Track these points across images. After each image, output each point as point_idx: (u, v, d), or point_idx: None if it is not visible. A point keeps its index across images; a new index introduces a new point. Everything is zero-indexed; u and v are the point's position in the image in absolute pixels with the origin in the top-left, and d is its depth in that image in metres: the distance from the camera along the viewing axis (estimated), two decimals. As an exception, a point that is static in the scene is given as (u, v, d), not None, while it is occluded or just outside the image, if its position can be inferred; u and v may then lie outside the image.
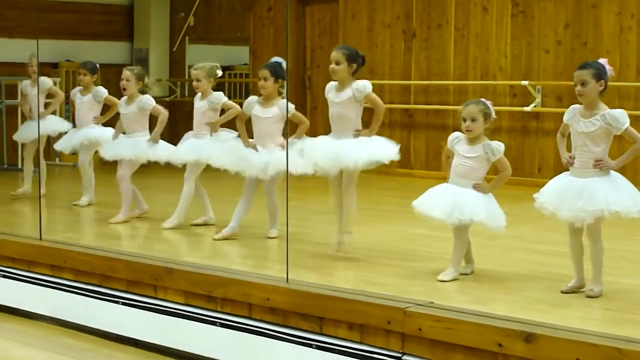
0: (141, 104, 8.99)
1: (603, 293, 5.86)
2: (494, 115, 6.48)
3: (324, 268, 6.84)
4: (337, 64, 7.10)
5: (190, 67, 8.93)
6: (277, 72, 7.85)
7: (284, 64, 7.89)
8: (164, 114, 8.97)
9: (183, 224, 8.58)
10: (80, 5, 15.68)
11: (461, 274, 6.44)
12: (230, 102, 8.62)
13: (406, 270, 6.71)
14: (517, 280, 6.42)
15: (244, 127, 8.07)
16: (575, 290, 5.94)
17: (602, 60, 5.93)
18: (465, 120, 6.41)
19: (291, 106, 7.65)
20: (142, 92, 9.25)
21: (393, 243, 7.85)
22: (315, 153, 7.17)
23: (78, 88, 10.22)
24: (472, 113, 6.40)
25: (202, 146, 8.44)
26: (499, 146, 6.39)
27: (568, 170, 5.99)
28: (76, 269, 7.36)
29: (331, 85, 7.26)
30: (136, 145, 8.92)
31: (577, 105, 5.96)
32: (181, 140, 8.72)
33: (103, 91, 9.99)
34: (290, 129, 7.63)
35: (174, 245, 8.09)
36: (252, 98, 7.98)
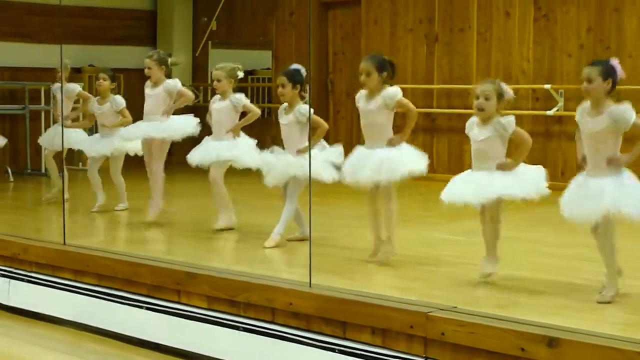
0: (168, 88, 9.03)
1: (631, 296, 5.82)
2: (509, 94, 6.39)
3: (346, 272, 6.85)
4: (368, 74, 7.06)
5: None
6: (294, 78, 7.84)
7: (303, 70, 7.90)
8: (189, 95, 9.05)
9: (196, 230, 8.59)
10: (103, 10, 15.75)
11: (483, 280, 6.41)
12: (251, 105, 8.64)
13: (429, 275, 6.71)
14: (539, 285, 6.40)
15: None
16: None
17: (614, 61, 5.89)
18: (478, 98, 6.33)
19: (305, 109, 7.68)
20: (168, 76, 9.28)
21: (416, 247, 7.84)
22: (352, 168, 7.17)
23: (96, 98, 10.20)
24: (487, 91, 6.32)
25: (225, 146, 8.48)
26: (509, 120, 6.30)
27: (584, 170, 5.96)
28: (99, 274, 7.39)
29: (361, 94, 7.23)
30: (159, 128, 9.02)
31: (586, 103, 5.93)
32: (199, 145, 8.73)
33: (121, 102, 9.99)
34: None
35: (197, 250, 8.10)
36: (283, 106, 8.00)
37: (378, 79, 7.06)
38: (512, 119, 6.33)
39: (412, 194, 10.38)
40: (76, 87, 10.73)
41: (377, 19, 13.93)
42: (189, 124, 9.02)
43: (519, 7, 12.50)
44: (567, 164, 11.97)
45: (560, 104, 11.91)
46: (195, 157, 8.58)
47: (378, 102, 7.07)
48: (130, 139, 9.32)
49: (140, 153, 9.51)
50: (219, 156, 8.47)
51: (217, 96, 8.71)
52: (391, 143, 7.06)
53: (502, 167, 6.26)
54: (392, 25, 13.78)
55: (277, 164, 7.85)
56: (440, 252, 7.62)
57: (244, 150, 8.51)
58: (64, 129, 9.28)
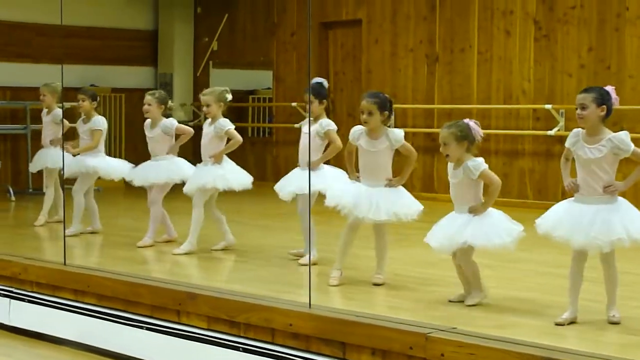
0: (165, 128, 9.05)
1: (632, 318, 5.83)
2: (476, 135, 6.38)
3: (346, 293, 6.85)
4: (370, 114, 7.04)
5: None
6: (319, 93, 7.89)
7: (325, 82, 7.94)
8: (189, 131, 9.06)
9: (196, 250, 8.57)
10: (104, 30, 15.79)
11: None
12: (234, 132, 8.59)
13: (429, 295, 6.71)
14: (539, 305, 6.40)
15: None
16: (572, 322, 5.84)
17: (609, 88, 5.88)
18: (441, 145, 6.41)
19: (329, 123, 7.72)
20: (167, 116, 9.30)
21: (416, 267, 7.85)
22: (348, 199, 7.11)
23: (82, 117, 10.17)
24: (444, 137, 6.36)
25: (207, 172, 8.50)
26: (475, 163, 6.30)
27: (572, 196, 5.95)
28: (100, 294, 7.39)
29: (359, 131, 7.15)
30: (163, 169, 8.98)
31: (579, 130, 5.91)
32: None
33: (102, 122, 9.97)
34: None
35: (197, 270, 8.10)
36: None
37: (380, 118, 7.06)
38: (479, 161, 6.33)
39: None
40: (59, 112, 10.67)
41: (378, 39, 13.96)
42: (187, 167, 9.03)
43: (520, 27, 12.53)
44: (567, 183, 11.95)
45: (561, 124, 11.92)
46: (188, 184, 8.68)
47: (384, 143, 7.06)
48: (137, 184, 9.24)
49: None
50: (205, 185, 8.49)
51: (208, 120, 8.74)
52: (390, 184, 7.07)
53: (472, 211, 6.30)
54: (392, 45, 13.81)
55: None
56: (441, 273, 7.59)
57: (220, 174, 8.52)
58: (46, 150, 9.37)
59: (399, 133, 7.10)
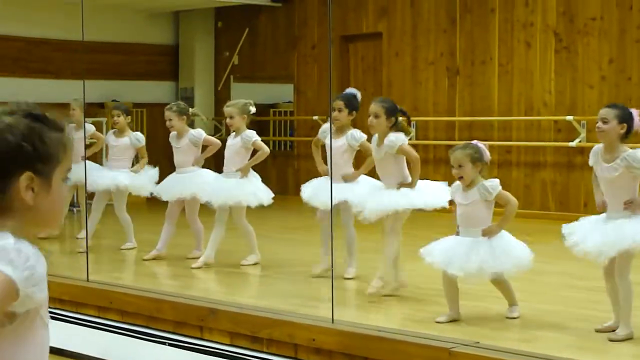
0: (193, 138, 9.06)
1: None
2: (486, 157, 6.34)
3: (369, 306, 6.84)
4: (376, 116, 7.08)
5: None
6: (351, 103, 7.84)
7: (359, 95, 7.92)
8: (216, 143, 9.07)
9: (217, 264, 8.58)
10: (126, 45, 15.86)
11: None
12: (261, 143, 8.62)
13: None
14: (562, 318, 6.38)
15: (319, 152, 8.06)
16: (612, 330, 5.84)
17: (634, 111, 5.84)
18: (453, 167, 6.33)
19: (362, 135, 7.70)
20: (192, 125, 9.32)
21: (438, 280, 7.80)
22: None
23: (112, 130, 10.24)
24: (459, 159, 6.28)
25: (233, 189, 8.50)
26: (492, 183, 6.26)
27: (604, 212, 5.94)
28: (123, 310, 7.41)
29: (374, 138, 7.28)
30: (190, 183, 8.99)
31: (598, 147, 5.89)
32: (214, 182, 8.80)
33: (142, 137, 10.00)
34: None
35: (219, 285, 8.11)
36: (326, 126, 7.96)
37: (386, 123, 7.07)
38: (496, 182, 6.29)
39: (435, 225, 10.29)
40: (91, 128, 10.72)
41: (399, 52, 13.96)
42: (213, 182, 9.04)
43: (540, 39, 12.51)
44: (589, 195, 11.81)
45: (583, 135, 11.88)
46: (205, 195, 8.66)
47: (384, 149, 7.09)
48: (167, 199, 9.25)
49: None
50: (227, 199, 8.49)
51: (232, 132, 8.75)
52: (404, 187, 7.08)
53: (486, 233, 6.22)
54: (413, 58, 13.81)
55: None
56: (462, 286, 7.57)
57: (251, 190, 8.52)
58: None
59: (395, 137, 7.06)
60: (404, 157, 7.13)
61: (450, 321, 6.27)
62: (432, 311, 6.64)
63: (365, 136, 7.77)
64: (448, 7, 13.40)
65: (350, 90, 8.06)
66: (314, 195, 7.93)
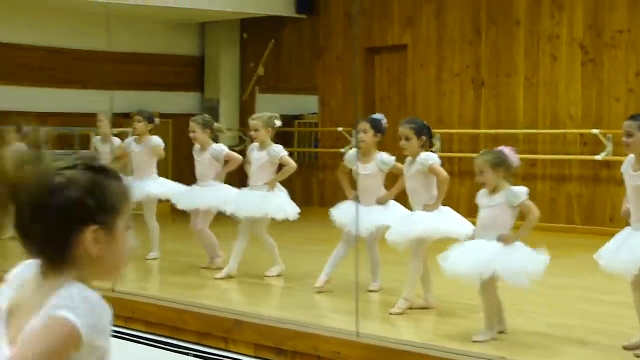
0: (215, 153, 9.08)
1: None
2: (512, 163, 6.30)
3: (394, 319, 6.82)
4: (407, 139, 7.13)
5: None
6: (377, 126, 7.84)
7: (385, 121, 7.91)
8: (238, 159, 9.08)
9: (241, 276, 8.59)
10: (151, 56, 15.92)
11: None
12: (289, 159, 8.63)
13: (476, 323, 6.64)
14: (587, 333, 6.34)
15: (346, 179, 8.02)
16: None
17: None
18: (477, 175, 6.36)
19: (391, 158, 7.72)
20: (215, 139, 9.34)
21: (462, 293, 7.77)
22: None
23: (132, 137, 10.25)
24: (479, 165, 6.32)
25: (260, 201, 8.51)
26: (520, 190, 6.23)
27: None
28: (147, 321, 7.42)
29: (407, 159, 7.32)
30: (208, 196, 9.00)
31: (632, 155, 5.88)
32: (238, 194, 8.82)
33: (161, 141, 10.05)
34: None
35: (244, 297, 8.11)
36: (352, 153, 7.96)
37: (418, 143, 7.10)
38: (523, 190, 6.25)
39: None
40: (116, 141, 10.76)
41: (424, 63, 13.95)
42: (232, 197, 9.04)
43: (566, 52, 12.47)
44: (615, 209, 11.83)
45: (609, 148, 11.82)
46: (231, 207, 8.65)
47: (415, 167, 7.12)
48: (183, 207, 9.28)
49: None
50: (255, 211, 8.51)
51: (256, 144, 8.74)
52: (426, 209, 7.07)
53: (502, 239, 6.16)
54: (438, 70, 13.80)
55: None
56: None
57: (278, 204, 8.54)
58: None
59: (425, 156, 7.11)
60: (433, 178, 7.14)
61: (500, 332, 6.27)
62: (458, 325, 6.62)
63: (394, 158, 7.79)
64: (473, 18, 13.38)
65: (376, 115, 8.09)
66: (346, 218, 7.91)
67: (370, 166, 7.78)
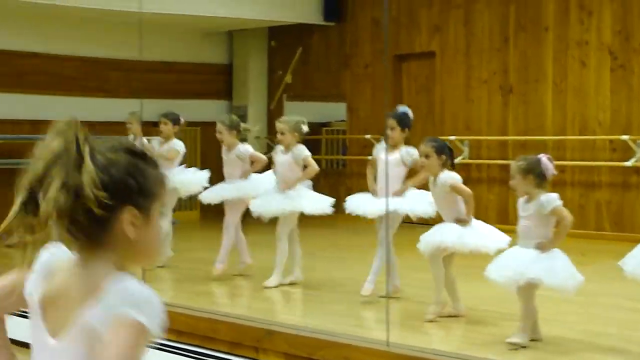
0: (239, 153, 9.14)
1: None
2: (546, 171, 6.30)
3: (422, 328, 6.83)
4: (427, 157, 7.20)
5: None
6: (403, 121, 7.93)
7: (410, 113, 7.97)
8: (262, 159, 9.12)
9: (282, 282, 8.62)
10: (180, 64, 15.98)
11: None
12: (312, 160, 8.67)
13: (509, 331, 6.63)
14: (619, 341, 6.33)
15: (372, 173, 8.09)
16: None
17: None
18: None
19: (416, 152, 7.73)
20: (242, 140, 9.39)
21: (494, 301, 7.77)
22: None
23: (158, 139, 10.32)
24: (512, 170, 6.39)
25: (289, 198, 8.54)
26: (548, 198, 6.23)
27: None
28: (178, 330, 7.45)
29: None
30: (237, 187, 9.08)
31: None
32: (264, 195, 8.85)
33: (180, 144, 10.12)
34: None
35: (273, 305, 8.13)
36: (382, 144, 8.07)
37: (437, 161, 7.14)
38: (553, 197, 6.25)
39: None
40: (144, 141, 10.81)
41: (451, 70, 13.95)
42: (262, 183, 9.07)
43: (595, 57, 12.43)
44: (646, 216, 11.82)
45: (639, 154, 11.77)
46: (258, 208, 8.67)
47: (438, 187, 7.19)
48: (209, 201, 9.33)
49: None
50: (283, 210, 8.53)
51: (280, 147, 8.78)
52: (459, 222, 7.08)
53: (538, 247, 6.18)
54: (466, 77, 13.79)
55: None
56: (517, 307, 7.52)
57: (308, 199, 8.56)
58: None
59: (445, 176, 7.15)
60: (455, 197, 7.18)
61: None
62: (489, 333, 6.62)
63: (417, 152, 7.81)
64: (501, 25, 13.37)
65: (402, 108, 8.12)
66: (357, 206, 8.05)
67: (394, 155, 7.83)
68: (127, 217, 2.19)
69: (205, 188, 9.61)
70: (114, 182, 2.18)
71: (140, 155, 2.27)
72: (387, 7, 12.68)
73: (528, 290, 6.23)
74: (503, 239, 6.90)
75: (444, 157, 7.16)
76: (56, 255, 2.26)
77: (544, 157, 6.36)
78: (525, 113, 13.13)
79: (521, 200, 6.40)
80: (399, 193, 7.79)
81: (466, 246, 6.97)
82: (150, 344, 2.11)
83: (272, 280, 8.59)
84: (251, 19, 14.98)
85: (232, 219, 9.19)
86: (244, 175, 9.16)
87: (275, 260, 8.63)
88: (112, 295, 2.11)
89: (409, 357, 5.85)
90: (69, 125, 2.28)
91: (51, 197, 2.14)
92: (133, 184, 2.20)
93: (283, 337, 6.61)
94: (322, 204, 8.67)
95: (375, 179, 8.03)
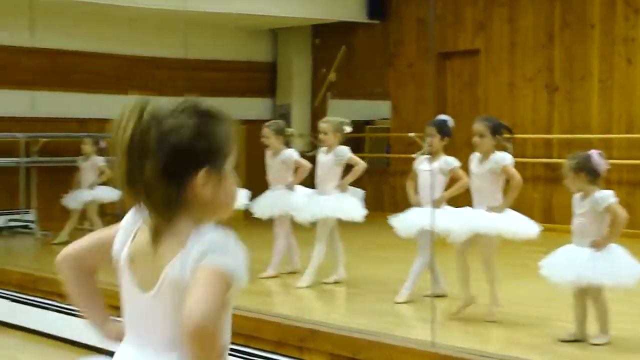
0: (285, 158, 9.14)
1: None
2: (597, 168, 6.25)
3: (465, 327, 6.81)
4: (481, 136, 7.10)
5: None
6: (443, 129, 7.88)
7: (450, 122, 7.93)
8: (306, 165, 9.10)
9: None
10: (224, 63, 16.04)
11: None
12: (357, 158, 8.65)
13: (553, 330, 6.59)
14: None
15: (412, 185, 8.03)
16: None
17: None
18: None
19: (455, 162, 7.71)
20: (287, 144, 9.39)
21: (537, 301, 7.74)
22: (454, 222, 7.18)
23: None
24: (564, 169, 6.33)
25: (328, 202, 8.52)
26: (602, 195, 6.18)
27: None
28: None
29: (474, 156, 7.25)
30: (285, 202, 9.04)
31: None
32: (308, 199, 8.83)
33: None
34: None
35: (316, 304, 8.14)
36: (420, 157, 8.04)
37: (491, 141, 7.06)
38: (608, 193, 6.20)
39: (533, 244, 10.21)
40: None
41: (496, 68, 13.88)
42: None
43: (641, 55, 12.33)
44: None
45: (685, 152, 11.67)
46: (302, 213, 8.66)
47: (487, 167, 7.07)
48: (259, 216, 9.30)
49: None
50: (323, 212, 8.52)
51: (323, 148, 8.77)
52: (494, 210, 7.02)
53: (594, 245, 6.13)
54: (510, 74, 13.71)
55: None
56: (561, 307, 7.44)
57: (344, 205, 8.54)
58: None
59: (502, 155, 7.07)
60: (503, 179, 7.09)
61: (574, 340, 6.24)
62: (533, 334, 6.59)
63: (459, 164, 7.77)
64: (546, 22, 13.29)
65: (442, 116, 8.09)
66: (409, 227, 7.91)
67: (434, 165, 7.79)
68: (201, 179, 2.24)
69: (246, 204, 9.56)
70: (185, 145, 2.24)
71: (209, 114, 2.32)
72: (432, 4, 12.64)
73: (595, 290, 6.19)
74: (533, 227, 6.86)
75: (498, 137, 7.10)
76: (140, 214, 2.33)
77: (594, 153, 6.32)
78: (571, 111, 13.04)
79: (576, 197, 6.35)
80: (438, 204, 7.70)
81: (499, 230, 6.91)
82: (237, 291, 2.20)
83: (305, 280, 8.59)
84: (295, 16, 15.01)
85: (282, 230, 9.18)
86: (290, 187, 9.12)
87: (311, 260, 8.62)
88: (196, 248, 2.20)
89: (452, 358, 5.83)
90: (135, 106, 2.33)
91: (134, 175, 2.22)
92: (205, 144, 2.25)
93: (327, 336, 6.61)
94: (355, 212, 8.58)
95: (415, 190, 7.98)
